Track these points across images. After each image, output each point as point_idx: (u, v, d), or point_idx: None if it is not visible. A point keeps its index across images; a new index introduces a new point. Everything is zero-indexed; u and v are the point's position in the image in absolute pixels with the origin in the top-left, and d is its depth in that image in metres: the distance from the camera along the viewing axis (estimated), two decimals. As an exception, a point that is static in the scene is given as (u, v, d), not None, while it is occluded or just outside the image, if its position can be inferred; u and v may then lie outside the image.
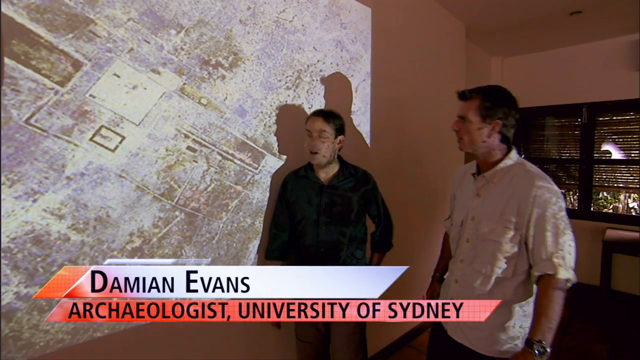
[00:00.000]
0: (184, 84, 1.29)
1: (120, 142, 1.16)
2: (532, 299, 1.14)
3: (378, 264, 1.64)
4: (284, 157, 1.64)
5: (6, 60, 0.95)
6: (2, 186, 0.95)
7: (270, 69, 1.56)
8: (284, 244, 1.54)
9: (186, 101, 1.30)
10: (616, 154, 3.65)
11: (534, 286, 1.12)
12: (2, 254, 0.96)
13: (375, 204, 1.59)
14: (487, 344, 1.16)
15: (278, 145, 1.62)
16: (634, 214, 4.11)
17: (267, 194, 1.59)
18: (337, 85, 1.89)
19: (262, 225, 1.58)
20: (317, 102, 1.78)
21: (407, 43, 2.44)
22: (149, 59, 1.21)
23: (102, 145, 1.12)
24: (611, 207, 4.44)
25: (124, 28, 1.15)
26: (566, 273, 1.02)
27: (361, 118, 2.05)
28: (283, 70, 1.61)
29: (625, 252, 3.06)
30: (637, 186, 3.57)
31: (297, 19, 1.67)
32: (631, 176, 3.61)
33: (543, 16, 2.93)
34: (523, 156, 1.18)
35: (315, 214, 1.47)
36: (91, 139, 1.10)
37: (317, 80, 1.77)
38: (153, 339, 1.27)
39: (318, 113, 1.47)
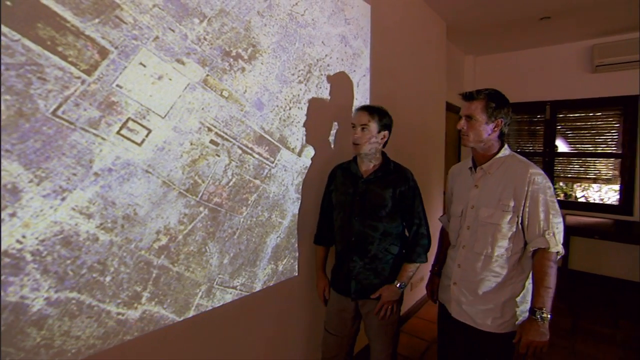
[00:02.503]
0: (207, 75, 1.25)
1: (147, 136, 1.10)
2: (525, 273, 1.30)
3: (406, 275, 1.49)
4: (297, 150, 1.64)
5: (32, 46, 0.86)
6: (30, 184, 0.88)
7: (284, 62, 1.55)
8: (327, 232, 1.64)
9: (209, 93, 1.26)
10: (565, 148, 4.03)
11: (526, 263, 1.29)
12: (32, 258, 0.89)
13: (410, 209, 1.50)
14: (492, 321, 1.29)
15: (306, 137, 1.63)
16: (584, 201, 4.58)
17: (283, 188, 1.58)
18: (342, 80, 1.91)
19: (277, 219, 1.58)
20: (326, 97, 1.79)
21: (400, 40, 2.51)
22: (173, 48, 1.15)
23: (129, 139, 1.06)
24: (562, 195, 4.92)
25: (149, 15, 1.09)
26: (557, 247, 1.19)
27: (362, 112, 2.09)
28: (296, 64, 1.61)
29: (581, 234, 3.42)
30: (592, 177, 3.98)
31: (308, 12, 1.66)
32: (580, 168, 4.02)
33: (516, 19, 3.14)
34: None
35: (349, 205, 1.50)
36: (118, 132, 1.04)
37: (324, 75, 1.78)
38: (182, 339, 1.23)
39: (364, 108, 1.50)
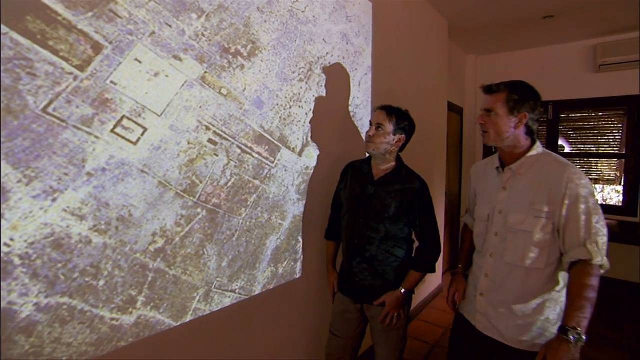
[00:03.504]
0: (205, 72, 1.21)
1: (143, 134, 1.06)
2: (563, 288, 1.14)
3: (411, 282, 1.46)
4: (298, 150, 1.61)
5: (21, 39, 0.83)
6: (19, 184, 0.84)
7: (285, 59, 1.51)
8: (338, 227, 1.63)
9: (207, 91, 1.22)
10: (567, 148, 3.99)
11: (565, 275, 1.13)
12: (20, 261, 0.85)
13: (419, 216, 1.44)
14: (519, 336, 1.15)
15: (311, 136, 1.59)
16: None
17: (283, 188, 1.54)
18: (342, 78, 1.87)
19: (277, 220, 1.54)
20: (327, 95, 1.75)
21: (402, 38, 2.47)
22: (170, 44, 1.11)
23: (123, 138, 1.02)
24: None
25: (145, 9, 1.05)
26: (600, 259, 1.02)
27: (363, 112, 2.06)
28: (296, 62, 1.57)
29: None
30: (594, 177, 3.95)
31: (309, 9, 1.62)
32: (582, 168, 3.98)
33: (519, 18, 3.11)
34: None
35: (356, 205, 1.48)
36: (112, 131, 1.00)
37: (326, 73, 1.74)
38: (179, 345, 1.19)
39: (383, 107, 1.46)
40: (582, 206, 1.06)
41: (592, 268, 1.03)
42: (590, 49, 3.61)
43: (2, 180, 0.81)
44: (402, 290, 1.44)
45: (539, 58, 3.94)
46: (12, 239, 0.84)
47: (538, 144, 1.21)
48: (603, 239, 1.05)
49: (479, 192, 1.36)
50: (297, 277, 1.68)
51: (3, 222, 0.82)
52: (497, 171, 1.27)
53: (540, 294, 1.14)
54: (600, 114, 3.79)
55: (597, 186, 4.25)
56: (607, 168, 3.84)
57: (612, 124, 3.74)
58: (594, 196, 1.09)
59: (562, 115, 3.94)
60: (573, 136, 4.00)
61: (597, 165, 3.90)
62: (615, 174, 3.80)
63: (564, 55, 3.79)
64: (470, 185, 1.46)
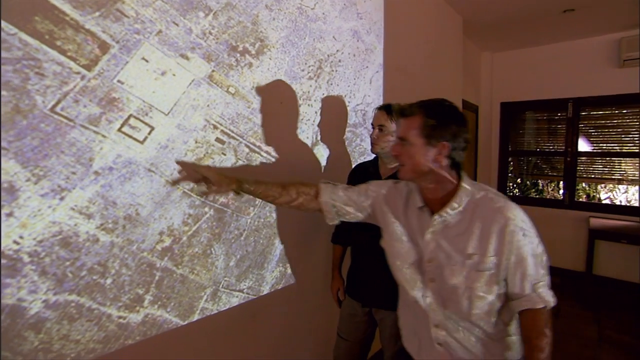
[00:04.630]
0: (213, 70, 1.21)
1: (149, 133, 1.06)
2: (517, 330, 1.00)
3: None
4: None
5: (29, 39, 0.83)
6: (27, 183, 0.85)
7: (294, 57, 1.49)
8: (345, 231, 1.57)
9: (215, 89, 1.22)
10: (588, 147, 3.84)
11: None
12: (29, 259, 0.86)
13: None
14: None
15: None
16: (609, 203, 4.37)
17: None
18: (353, 76, 1.84)
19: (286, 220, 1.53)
20: (337, 93, 1.73)
21: (414, 35, 2.43)
22: (177, 42, 1.11)
23: (130, 137, 1.02)
24: (584, 196, 4.72)
25: (152, 8, 1.05)
26: (552, 300, 0.91)
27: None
28: (306, 60, 1.55)
29: (608, 238, 3.24)
30: (617, 177, 3.79)
31: (319, 6, 1.60)
32: (605, 168, 3.83)
33: (537, 13, 3.00)
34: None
35: None
36: (119, 130, 1.00)
37: (336, 70, 1.72)
38: (186, 343, 1.19)
39: (382, 107, 1.43)
40: (529, 252, 0.91)
41: (546, 314, 0.91)
42: (614, 43, 3.46)
43: (12, 178, 0.82)
44: None
45: (558, 54, 3.81)
46: (21, 237, 0.85)
47: (465, 178, 0.99)
48: (548, 274, 0.94)
49: (394, 222, 1.08)
50: (306, 277, 1.67)
51: (13, 220, 0.83)
52: (419, 210, 1.02)
53: (493, 336, 0.99)
54: (624, 111, 3.63)
55: (620, 187, 4.08)
56: (631, 168, 3.68)
57: (636, 121, 3.58)
58: (534, 235, 0.93)
59: (583, 113, 3.80)
60: (594, 135, 3.85)
61: (620, 165, 3.74)
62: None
63: (585, 50, 3.64)
64: (372, 191, 1.14)
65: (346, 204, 1.12)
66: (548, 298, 0.91)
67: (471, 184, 0.99)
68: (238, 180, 1.07)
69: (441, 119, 0.93)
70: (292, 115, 1.52)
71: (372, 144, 1.43)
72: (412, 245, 1.04)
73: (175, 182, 1.13)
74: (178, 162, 1.10)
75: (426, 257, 1.00)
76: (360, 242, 1.47)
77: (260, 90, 1.36)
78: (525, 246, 0.91)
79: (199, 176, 1.08)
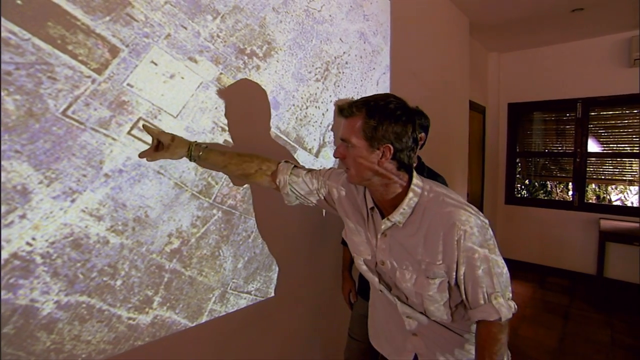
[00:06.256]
0: (221, 73, 1.21)
1: (159, 136, 1.07)
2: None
3: None
4: (314, 151, 1.59)
5: (42, 44, 0.85)
6: (40, 185, 0.86)
7: (301, 59, 1.50)
8: None
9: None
10: (597, 148, 3.78)
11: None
12: (42, 260, 0.87)
13: None
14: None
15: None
16: (620, 204, 4.31)
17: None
18: (360, 78, 1.84)
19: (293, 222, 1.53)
20: (344, 95, 1.73)
21: (421, 36, 2.42)
22: (186, 46, 1.12)
23: (140, 139, 1.03)
24: (594, 197, 4.65)
25: (161, 12, 1.06)
26: (509, 312, 0.86)
27: (381, 112, 2.02)
28: (313, 62, 1.55)
29: (619, 241, 3.19)
30: (629, 178, 3.73)
31: (325, 8, 1.60)
32: (615, 169, 3.77)
33: (545, 12, 2.98)
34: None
35: None
36: (129, 133, 1.01)
37: (343, 72, 1.72)
38: (194, 345, 1.20)
39: None
40: (482, 261, 0.85)
41: (502, 325, 0.87)
42: (624, 42, 3.41)
43: (25, 181, 0.84)
44: None
45: (566, 54, 3.76)
46: (34, 239, 0.86)
47: (416, 179, 0.93)
48: (507, 284, 0.88)
49: (349, 217, 1.04)
50: (314, 279, 1.66)
51: (25, 221, 0.85)
52: (371, 211, 0.98)
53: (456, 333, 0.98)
54: (635, 111, 3.57)
55: (631, 188, 4.02)
56: (643, 168, 3.61)
57: (648, 121, 3.53)
58: (491, 238, 0.88)
59: (592, 114, 3.75)
60: (604, 135, 3.80)
61: (631, 166, 3.68)
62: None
63: (595, 49, 3.60)
64: (321, 175, 1.10)
65: (302, 189, 1.09)
66: (503, 310, 0.84)
67: (424, 185, 0.93)
68: (195, 145, 1.04)
69: (382, 119, 0.85)
70: (296, 116, 1.52)
71: None
72: (367, 242, 1.00)
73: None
74: (144, 126, 1.02)
75: (378, 259, 0.97)
76: None
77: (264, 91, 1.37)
78: (476, 254, 0.85)
79: (154, 140, 1.02)
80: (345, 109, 0.89)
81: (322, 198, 1.10)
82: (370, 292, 1.18)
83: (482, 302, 0.86)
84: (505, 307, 0.85)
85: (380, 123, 0.85)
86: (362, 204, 1.01)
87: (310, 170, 1.11)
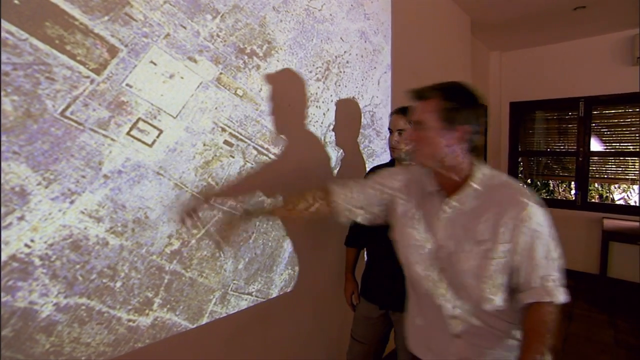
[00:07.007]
0: (221, 73, 1.21)
1: (158, 137, 1.07)
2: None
3: None
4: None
5: (40, 44, 0.84)
6: (38, 187, 0.85)
7: (301, 59, 1.49)
8: (359, 234, 1.57)
9: (223, 92, 1.22)
10: (600, 147, 3.76)
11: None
12: (41, 262, 0.86)
13: None
14: None
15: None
16: (623, 203, 4.28)
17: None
18: (361, 77, 1.83)
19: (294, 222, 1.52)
20: (345, 95, 1.72)
21: (422, 35, 2.41)
22: (185, 45, 1.11)
23: (139, 140, 1.03)
24: (597, 197, 4.62)
25: (160, 11, 1.05)
26: (562, 296, 0.87)
27: (383, 111, 2.01)
28: (313, 61, 1.54)
29: (622, 240, 3.17)
30: (631, 177, 3.71)
31: (326, 7, 1.59)
32: (618, 168, 3.74)
33: (547, 11, 2.96)
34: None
35: None
36: (128, 133, 1.00)
37: (344, 71, 1.71)
38: (195, 346, 1.19)
39: (399, 111, 1.40)
40: (543, 242, 0.88)
41: (555, 307, 0.87)
42: (627, 40, 3.38)
43: (23, 182, 0.83)
44: None
45: (568, 52, 3.74)
46: (32, 240, 0.85)
47: (480, 164, 0.96)
48: (560, 269, 0.90)
49: (407, 211, 1.05)
50: (316, 280, 1.65)
51: (24, 223, 0.84)
52: (432, 195, 1.00)
53: (507, 336, 0.97)
54: (638, 109, 3.55)
55: (634, 187, 3.99)
56: (645, 167, 3.59)
57: (651, 120, 3.50)
58: (550, 230, 0.91)
59: (595, 112, 3.72)
60: (607, 134, 3.77)
61: (634, 165, 3.66)
62: (654, 173, 3.55)
63: (597, 48, 3.57)
64: (377, 181, 1.10)
65: (360, 207, 1.09)
66: (556, 294, 0.87)
67: (489, 169, 0.97)
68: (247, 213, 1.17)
69: (461, 101, 0.91)
70: (301, 116, 1.51)
71: (392, 148, 1.41)
72: (425, 231, 1.00)
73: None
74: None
75: (438, 244, 0.98)
76: (377, 244, 1.46)
77: (268, 91, 1.36)
78: (539, 238, 0.88)
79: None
80: (423, 92, 0.93)
81: (382, 210, 1.10)
82: (408, 301, 1.15)
83: (535, 284, 0.88)
84: (559, 290, 0.87)
85: (458, 105, 0.90)
86: (422, 189, 1.03)
87: (361, 185, 1.12)
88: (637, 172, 3.65)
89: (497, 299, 0.92)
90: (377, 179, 1.10)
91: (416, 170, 1.06)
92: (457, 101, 0.90)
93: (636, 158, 3.62)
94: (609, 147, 3.76)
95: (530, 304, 0.90)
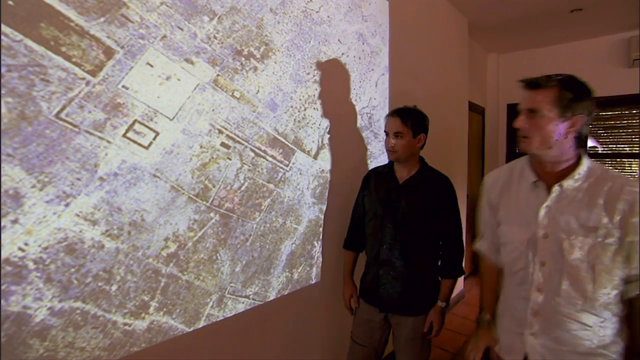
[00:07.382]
0: (218, 75, 1.20)
1: (154, 139, 1.06)
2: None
3: (446, 293, 1.44)
4: (313, 153, 1.57)
5: (35, 46, 0.83)
6: (32, 189, 0.84)
7: (299, 61, 1.48)
8: (358, 237, 1.58)
9: (220, 94, 1.21)
10: (599, 149, 3.77)
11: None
12: (35, 266, 0.85)
13: (445, 217, 1.40)
14: None
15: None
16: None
17: (298, 192, 1.52)
18: (359, 79, 1.83)
19: (292, 225, 1.51)
20: (342, 97, 1.72)
21: (420, 37, 2.41)
22: (182, 47, 1.11)
23: (135, 142, 1.02)
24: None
25: (156, 13, 1.05)
26: None
27: (380, 113, 2.00)
28: (311, 63, 1.54)
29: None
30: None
31: (323, 9, 1.59)
32: (615, 169, 3.75)
33: (544, 13, 2.97)
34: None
35: (382, 211, 1.43)
36: (124, 135, 0.99)
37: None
38: (191, 350, 1.18)
39: (396, 113, 1.40)
40: None
41: None
42: (623, 43, 3.40)
43: (17, 185, 0.82)
44: (443, 305, 1.42)
45: (565, 54, 3.76)
46: (26, 244, 0.84)
47: (585, 155, 0.99)
48: None
49: (504, 210, 1.10)
50: (313, 282, 1.65)
51: (18, 226, 0.83)
52: (533, 186, 1.02)
53: (615, 332, 0.96)
54: (635, 111, 3.57)
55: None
56: (642, 169, 3.60)
57: (648, 121, 3.52)
58: None
59: (592, 114, 3.73)
60: (604, 135, 3.79)
61: (630, 166, 3.68)
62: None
63: (594, 50, 3.59)
64: (485, 201, 1.17)
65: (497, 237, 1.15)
66: None
67: (590, 161, 0.99)
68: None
69: (578, 92, 0.93)
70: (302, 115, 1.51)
71: (389, 151, 1.41)
72: (523, 224, 1.03)
73: None
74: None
75: (540, 234, 0.98)
76: (377, 248, 1.45)
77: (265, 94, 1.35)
78: None
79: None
80: (540, 80, 0.97)
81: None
82: (500, 301, 1.15)
83: None
84: None
85: (576, 95, 0.93)
86: (520, 183, 1.07)
87: (484, 223, 1.20)
88: (634, 173, 3.66)
89: (609, 289, 0.93)
90: (484, 198, 1.17)
91: (518, 162, 1.10)
92: (575, 92, 0.93)
93: (633, 160, 3.63)
94: (605, 149, 3.77)
95: (634, 298, 0.92)
